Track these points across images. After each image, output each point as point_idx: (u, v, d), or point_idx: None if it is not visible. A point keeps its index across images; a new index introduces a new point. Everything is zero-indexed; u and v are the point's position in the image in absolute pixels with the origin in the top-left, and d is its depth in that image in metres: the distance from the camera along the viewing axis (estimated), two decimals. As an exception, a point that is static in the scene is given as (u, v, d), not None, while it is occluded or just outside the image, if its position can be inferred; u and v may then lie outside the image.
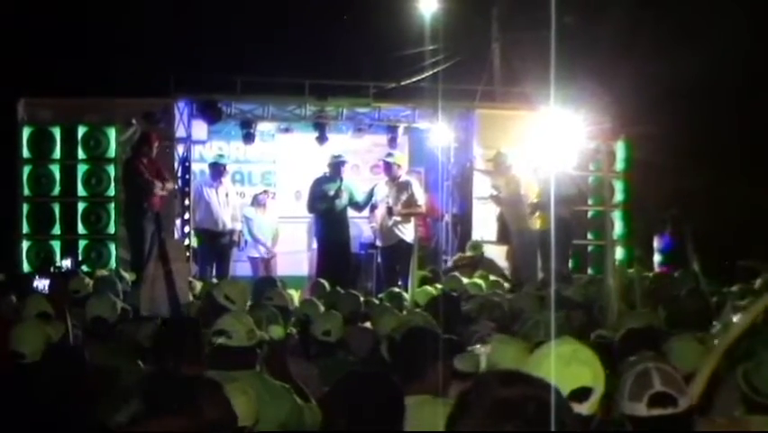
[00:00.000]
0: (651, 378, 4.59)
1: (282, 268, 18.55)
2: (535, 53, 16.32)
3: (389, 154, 17.64)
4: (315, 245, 18.31)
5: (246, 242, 18.63)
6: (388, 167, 17.21)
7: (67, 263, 16.42)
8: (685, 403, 4.56)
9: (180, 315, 9.93)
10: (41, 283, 14.78)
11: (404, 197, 16.94)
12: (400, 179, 17.14)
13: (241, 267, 18.50)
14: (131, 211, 15.98)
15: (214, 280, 14.22)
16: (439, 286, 12.94)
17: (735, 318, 8.82)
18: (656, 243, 18.21)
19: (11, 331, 7.36)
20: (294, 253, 19.02)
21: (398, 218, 16.84)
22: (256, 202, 18.55)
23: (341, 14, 22.96)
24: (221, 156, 18.14)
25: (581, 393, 4.18)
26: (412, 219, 16.77)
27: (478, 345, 6.14)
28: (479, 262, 16.24)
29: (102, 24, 21.64)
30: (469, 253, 16.87)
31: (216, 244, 17.58)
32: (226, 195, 17.69)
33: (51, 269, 15.86)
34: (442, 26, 19.99)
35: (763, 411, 5.51)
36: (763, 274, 11.96)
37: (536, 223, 16.72)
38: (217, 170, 17.71)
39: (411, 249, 13.02)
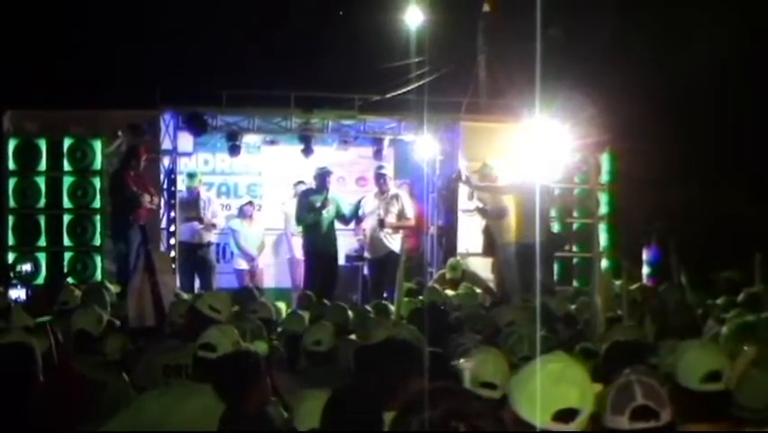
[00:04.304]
0: (633, 391, 4.59)
1: (269, 280, 18.60)
2: (521, 66, 16.42)
3: (381, 167, 17.70)
4: (288, 256, 18.44)
5: (232, 253, 18.69)
6: (382, 179, 17.24)
7: (26, 268, 16.41)
8: (667, 416, 4.57)
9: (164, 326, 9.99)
10: (21, 294, 14.81)
11: (394, 209, 17.00)
12: (390, 192, 17.19)
13: (227, 279, 18.52)
14: (117, 223, 15.96)
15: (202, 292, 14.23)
16: (425, 297, 12.95)
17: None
18: (644, 255, 18.25)
19: None
20: (281, 264, 19.04)
21: (389, 230, 16.88)
22: (242, 214, 18.59)
23: (326, 27, 22.95)
24: (190, 176, 18.21)
25: (567, 414, 4.18)
26: (401, 231, 16.83)
27: (461, 360, 6.16)
28: (459, 282, 16.24)
29: (87, 36, 21.63)
30: (448, 276, 16.85)
31: (194, 257, 17.66)
32: (203, 207, 17.80)
33: (11, 275, 15.90)
34: (427, 39, 20.00)
35: (747, 426, 5.55)
36: (746, 289, 12.00)
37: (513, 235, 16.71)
38: (188, 189, 18.04)
39: (399, 260, 13.02)
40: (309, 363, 8.39)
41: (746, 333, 7.93)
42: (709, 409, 5.26)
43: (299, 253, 18.21)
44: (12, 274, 15.98)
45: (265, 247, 18.75)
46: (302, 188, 17.84)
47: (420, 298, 13.12)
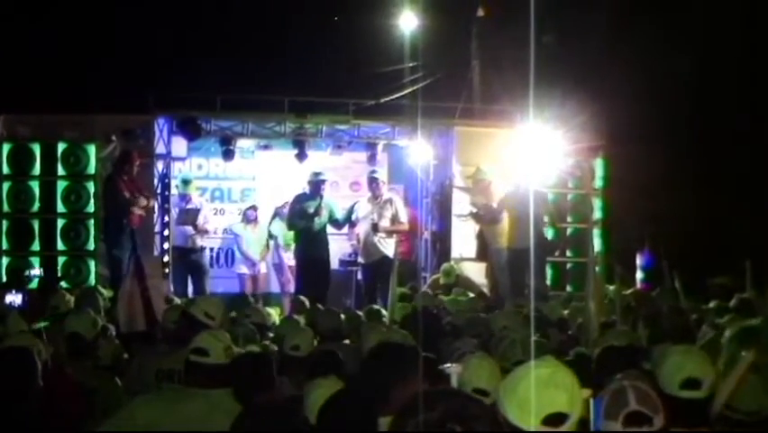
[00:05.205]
0: (626, 397, 4.60)
1: (271, 285, 18.61)
2: (515, 71, 16.39)
3: (374, 171, 17.72)
4: (276, 261, 18.44)
5: (234, 258, 18.71)
6: (375, 183, 17.24)
7: (34, 272, 16.40)
8: (659, 422, 4.58)
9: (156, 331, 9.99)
10: (16, 298, 14.78)
11: (388, 213, 17.01)
12: (383, 197, 17.21)
13: (230, 283, 18.54)
14: (110, 228, 15.94)
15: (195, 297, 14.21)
16: (415, 303, 12.95)
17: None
18: (638, 260, 18.27)
19: None
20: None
21: (383, 235, 16.89)
22: (245, 218, 18.57)
23: (320, 32, 22.94)
24: (185, 182, 18.21)
25: (556, 418, 4.17)
26: (394, 236, 16.84)
27: (448, 364, 6.15)
28: (453, 286, 16.26)
29: (82, 40, 21.59)
30: (442, 281, 16.87)
31: (187, 261, 17.66)
32: (196, 212, 17.81)
33: (24, 280, 15.87)
34: (421, 44, 19.98)
35: (739, 428, 5.57)
36: (737, 295, 12.03)
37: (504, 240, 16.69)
38: (181, 195, 18.06)
39: (393, 265, 13.01)
40: (289, 368, 8.36)
41: (749, 337, 7.94)
42: (687, 415, 5.25)
43: (287, 259, 18.26)
44: (23, 279, 15.97)
45: (267, 251, 18.69)
46: (285, 211, 17.79)
47: (412, 303, 13.12)
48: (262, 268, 18.57)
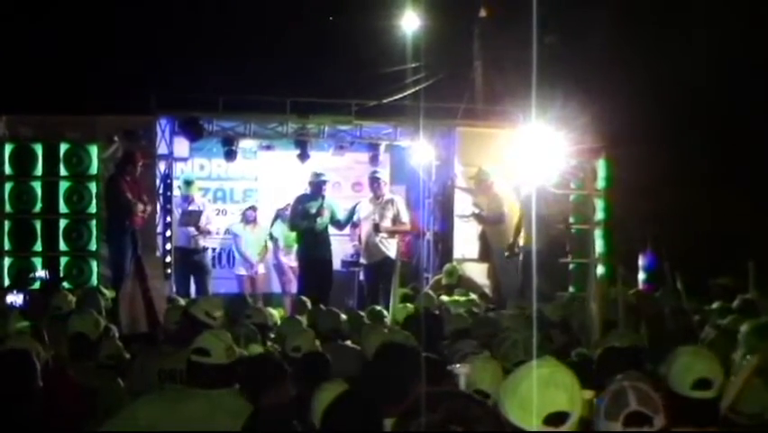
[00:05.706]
0: (627, 397, 4.60)
1: (269, 285, 18.59)
2: (517, 71, 16.40)
3: (375, 171, 17.71)
4: (274, 261, 18.46)
5: (234, 258, 18.70)
6: (377, 183, 17.23)
7: (41, 274, 16.40)
8: (660, 422, 4.58)
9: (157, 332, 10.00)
10: (17, 298, 14.79)
11: (390, 214, 17.01)
12: (385, 197, 17.21)
13: (230, 284, 18.53)
14: (112, 228, 15.94)
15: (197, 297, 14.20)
16: (416, 304, 12.95)
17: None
18: (641, 261, 18.24)
19: None
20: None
21: (384, 235, 16.89)
22: (245, 219, 18.56)
23: (322, 32, 22.94)
24: (187, 183, 18.22)
25: (557, 418, 4.18)
26: (396, 236, 16.84)
27: (457, 365, 6.15)
28: (455, 288, 16.25)
29: (82, 40, 21.59)
30: (444, 282, 16.87)
31: (189, 262, 17.66)
32: (199, 213, 17.81)
33: (29, 281, 15.88)
34: (423, 44, 19.97)
35: (743, 429, 5.58)
36: (740, 296, 12.03)
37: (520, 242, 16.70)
38: (184, 196, 18.09)
39: (395, 266, 13.01)
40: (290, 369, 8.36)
41: (765, 333, 7.98)
42: (698, 415, 5.27)
43: (286, 259, 18.26)
44: (28, 280, 16.00)
45: (267, 252, 18.67)
46: (287, 213, 17.77)
47: (413, 304, 13.12)
48: (260, 269, 18.56)
